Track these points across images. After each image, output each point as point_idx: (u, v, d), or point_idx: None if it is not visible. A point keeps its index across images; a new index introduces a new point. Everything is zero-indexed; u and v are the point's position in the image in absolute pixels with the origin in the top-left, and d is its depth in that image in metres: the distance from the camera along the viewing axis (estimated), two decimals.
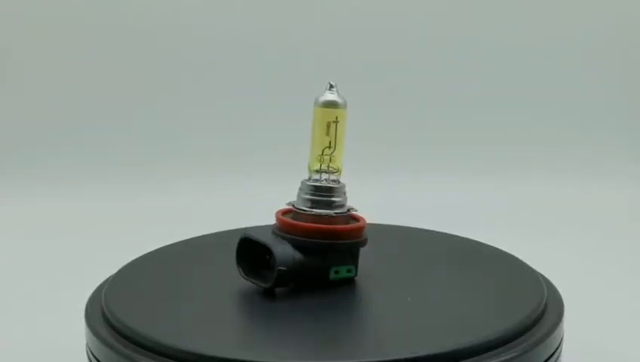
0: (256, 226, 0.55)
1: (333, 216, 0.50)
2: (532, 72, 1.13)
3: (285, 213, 0.52)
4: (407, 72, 1.12)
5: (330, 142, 0.51)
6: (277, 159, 1.03)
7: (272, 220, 0.52)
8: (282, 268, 0.49)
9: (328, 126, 0.51)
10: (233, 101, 1.12)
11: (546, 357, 0.45)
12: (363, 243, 0.52)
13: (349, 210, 0.52)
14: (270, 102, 1.10)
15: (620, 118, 1.13)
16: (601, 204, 1.01)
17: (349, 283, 0.52)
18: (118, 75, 1.12)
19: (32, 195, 1.04)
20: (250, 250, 0.51)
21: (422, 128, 1.11)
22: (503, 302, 0.50)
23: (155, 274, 0.56)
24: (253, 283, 0.51)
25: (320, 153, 0.51)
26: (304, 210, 0.51)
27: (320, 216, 0.50)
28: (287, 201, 0.52)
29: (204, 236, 0.64)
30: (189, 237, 0.63)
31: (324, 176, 0.51)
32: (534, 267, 0.56)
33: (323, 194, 0.51)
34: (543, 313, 0.48)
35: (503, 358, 0.43)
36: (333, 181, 0.52)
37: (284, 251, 0.49)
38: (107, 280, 0.55)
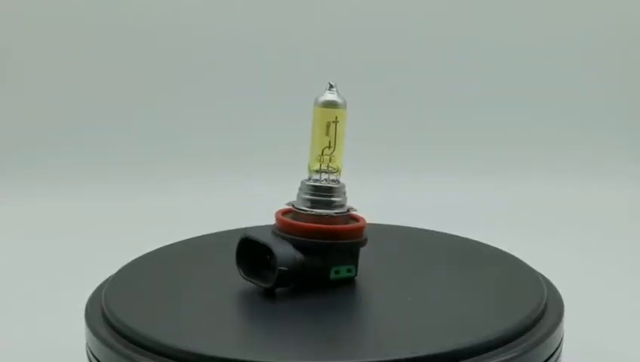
0: (256, 226, 0.55)
1: (333, 216, 0.50)
2: (532, 72, 1.13)
3: (285, 213, 0.52)
4: (407, 72, 1.13)
5: (329, 142, 0.51)
6: (277, 159, 1.03)
7: (272, 220, 0.52)
8: (283, 268, 0.49)
9: (328, 126, 0.51)
10: (233, 101, 1.12)
11: (546, 357, 0.45)
12: (363, 243, 0.52)
13: (348, 210, 0.52)
14: (270, 102, 1.10)
15: (620, 118, 1.13)
16: (601, 204, 1.01)
17: (349, 283, 0.52)
18: (118, 75, 1.12)
19: (32, 195, 1.04)
20: (250, 250, 0.51)
21: (422, 128, 1.11)
22: (503, 302, 0.50)
23: (155, 274, 0.56)
24: (254, 283, 0.51)
25: (320, 153, 0.51)
26: (304, 210, 0.51)
27: (320, 216, 0.50)
28: (287, 201, 0.52)
29: (204, 236, 0.64)
30: (189, 237, 0.63)
31: (324, 176, 0.51)
32: (534, 267, 0.56)
33: (323, 194, 0.51)
34: (543, 313, 0.48)
35: (502, 358, 0.43)
36: (333, 181, 0.51)
37: (284, 251, 0.49)
38: (107, 280, 0.55)
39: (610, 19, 1.13)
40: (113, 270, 0.56)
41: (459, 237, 0.63)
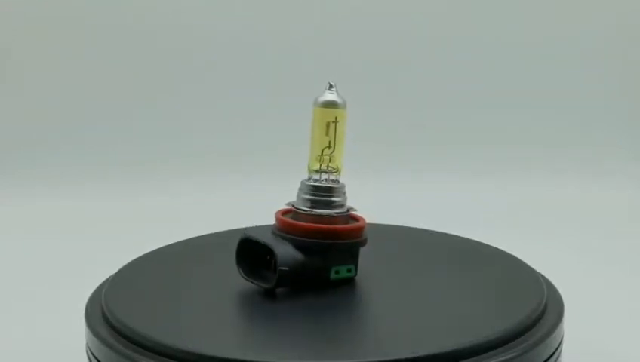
0: (256, 226, 0.55)
1: (333, 216, 0.50)
2: (532, 72, 1.13)
3: (285, 213, 0.52)
4: (407, 72, 1.13)
5: (329, 142, 0.51)
6: (277, 159, 1.03)
7: (272, 220, 0.52)
8: (284, 268, 0.49)
9: (328, 126, 0.51)
10: (233, 101, 1.12)
11: (546, 357, 0.45)
12: (363, 243, 0.52)
13: (348, 210, 0.52)
14: (270, 102, 1.10)
15: (620, 118, 1.13)
16: (601, 204, 1.01)
17: (349, 283, 0.52)
18: (118, 75, 1.12)
19: (32, 195, 1.04)
20: (250, 251, 0.51)
21: (422, 128, 1.11)
22: (503, 302, 0.50)
23: (155, 274, 0.56)
24: (254, 283, 0.51)
25: (319, 153, 0.51)
26: (304, 210, 0.51)
27: (320, 216, 0.50)
28: (287, 201, 0.52)
29: (204, 236, 0.64)
30: (189, 237, 0.63)
31: (324, 176, 0.51)
32: (534, 267, 0.56)
33: (323, 194, 0.51)
34: (543, 313, 0.48)
35: (502, 358, 0.43)
36: (333, 181, 0.51)
37: (285, 252, 0.49)
38: (107, 280, 0.55)
39: (610, 19, 1.13)
40: (113, 270, 0.56)
41: (459, 237, 0.63)
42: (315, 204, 0.51)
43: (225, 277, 0.52)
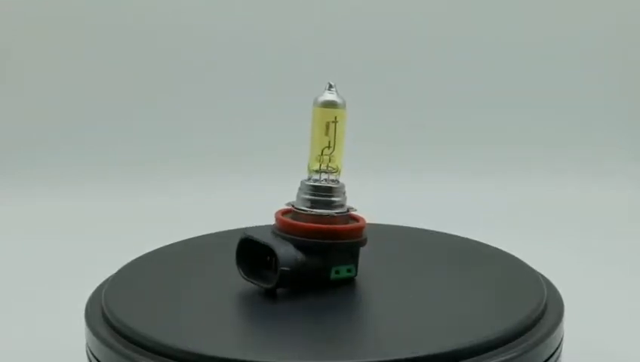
0: (256, 226, 0.55)
1: (333, 216, 0.50)
2: (532, 72, 1.13)
3: (285, 213, 0.52)
4: (407, 72, 1.13)
5: (329, 142, 0.51)
6: (277, 159, 1.03)
7: (271, 220, 0.52)
8: (285, 268, 0.49)
9: (327, 126, 0.51)
10: (233, 101, 1.12)
11: (546, 357, 0.45)
12: (363, 242, 0.52)
13: (348, 210, 0.52)
14: (270, 102, 1.10)
15: (620, 118, 1.13)
16: (601, 203, 1.01)
17: (349, 283, 0.52)
18: (118, 75, 1.12)
19: (32, 195, 1.04)
20: (250, 251, 0.51)
21: (422, 128, 1.11)
22: (503, 302, 0.50)
23: (155, 274, 0.56)
24: (254, 283, 0.51)
25: (319, 153, 0.51)
26: (304, 210, 0.51)
27: (320, 216, 0.50)
28: (287, 201, 0.52)
29: (204, 236, 0.63)
30: (189, 237, 0.63)
31: (324, 176, 0.51)
32: (534, 267, 0.55)
33: (322, 194, 0.51)
34: (543, 313, 0.48)
35: (502, 358, 0.43)
36: (333, 181, 0.51)
37: (286, 252, 0.49)
38: (107, 280, 0.55)
39: (610, 19, 1.13)
40: (113, 270, 0.56)
41: (459, 237, 0.63)
42: (315, 204, 0.51)
43: (225, 277, 0.52)
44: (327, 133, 0.51)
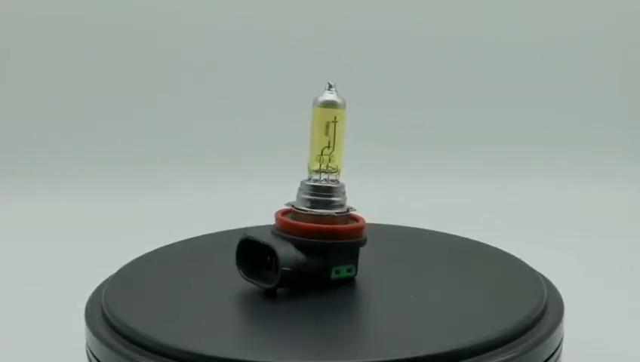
0: (256, 226, 0.55)
1: (333, 216, 0.50)
2: (532, 72, 1.13)
3: (285, 213, 0.52)
4: (407, 72, 1.13)
5: (329, 142, 0.51)
6: (277, 159, 1.03)
7: (271, 220, 0.52)
8: (286, 268, 0.49)
9: (327, 126, 0.51)
10: (233, 101, 1.12)
11: (546, 357, 0.45)
12: (363, 242, 0.52)
13: (348, 210, 0.52)
14: (270, 102, 1.10)
15: (620, 118, 1.13)
16: (601, 203, 1.01)
17: (349, 283, 0.52)
18: (117, 75, 1.12)
19: (32, 195, 1.04)
20: (250, 251, 0.51)
21: (422, 128, 1.11)
22: (503, 302, 0.50)
23: (155, 274, 0.56)
24: (254, 283, 0.51)
25: (319, 153, 0.51)
26: (304, 210, 0.51)
27: (320, 216, 0.50)
28: (287, 201, 0.52)
29: (204, 236, 0.64)
30: (189, 237, 0.63)
31: (324, 176, 0.51)
32: (534, 267, 0.55)
33: (322, 194, 0.51)
34: (543, 313, 0.48)
35: (502, 358, 0.43)
36: (333, 181, 0.51)
37: (287, 252, 0.49)
38: (107, 280, 0.55)
39: (610, 19, 1.13)
40: (113, 270, 0.56)
41: (459, 237, 0.63)
42: (314, 203, 0.51)
43: (225, 277, 0.52)
44: (327, 133, 0.51)
